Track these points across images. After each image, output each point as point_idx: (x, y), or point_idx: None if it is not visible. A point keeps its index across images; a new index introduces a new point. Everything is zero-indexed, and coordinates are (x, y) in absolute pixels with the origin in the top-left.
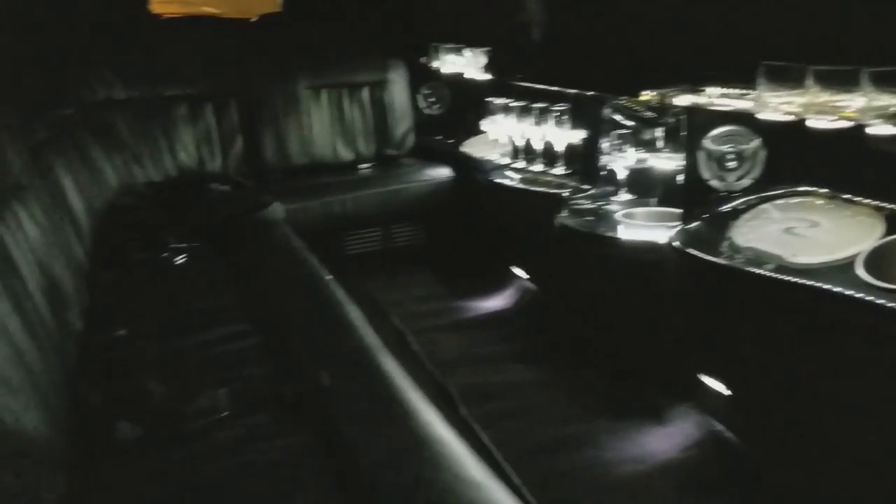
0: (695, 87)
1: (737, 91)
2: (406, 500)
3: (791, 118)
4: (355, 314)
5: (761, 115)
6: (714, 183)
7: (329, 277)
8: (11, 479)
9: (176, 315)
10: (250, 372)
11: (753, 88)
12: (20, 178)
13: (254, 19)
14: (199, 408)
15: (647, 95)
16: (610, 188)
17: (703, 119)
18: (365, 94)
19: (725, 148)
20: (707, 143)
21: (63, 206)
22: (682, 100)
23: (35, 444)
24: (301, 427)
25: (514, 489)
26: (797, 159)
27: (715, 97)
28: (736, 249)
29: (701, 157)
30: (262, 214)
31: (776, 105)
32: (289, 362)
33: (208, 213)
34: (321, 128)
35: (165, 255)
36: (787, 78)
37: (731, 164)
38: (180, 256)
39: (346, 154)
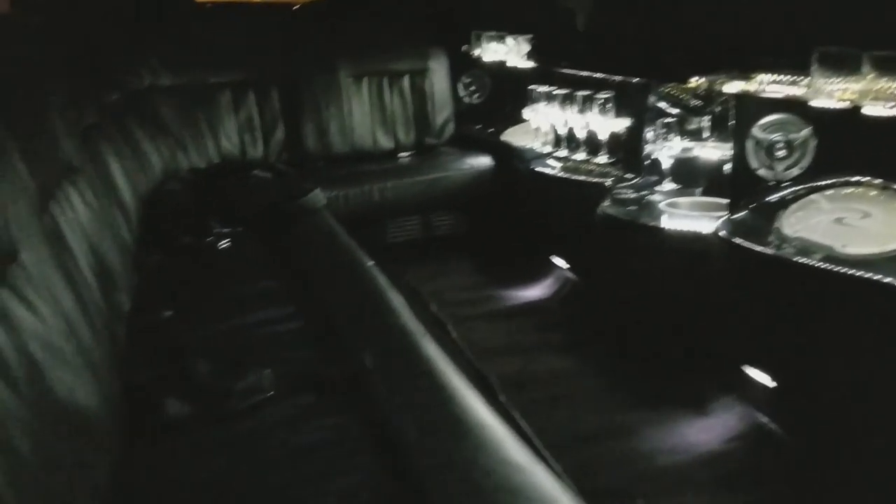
0: (745, 73)
1: (788, 78)
2: (450, 482)
3: (845, 105)
4: (397, 300)
5: (814, 102)
6: (762, 172)
7: (371, 263)
8: (66, 450)
9: (221, 298)
10: (294, 354)
11: (806, 75)
12: (72, 160)
13: (296, 7)
14: (244, 387)
15: (695, 82)
16: (654, 178)
17: (753, 106)
18: (405, 82)
19: (775, 137)
20: (756, 131)
21: (111, 190)
22: (732, 86)
23: (87, 417)
24: (344, 408)
25: (556, 475)
26: (849, 148)
27: (765, 84)
28: (784, 239)
29: (749, 146)
30: (303, 201)
31: (830, 92)
32: (332, 345)
33: (251, 200)
34: (362, 116)
35: (210, 239)
36: (843, 64)
37: (781, 154)
38: (224, 241)
39: (386, 142)
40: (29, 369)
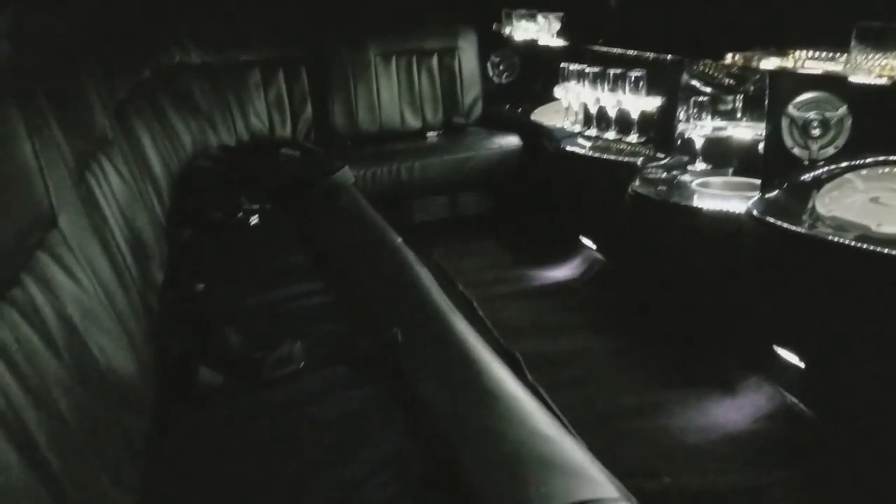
0: (781, 49)
1: (826, 54)
2: (480, 453)
3: (884, 82)
4: (426, 276)
5: (853, 78)
6: (796, 151)
7: (399, 240)
8: (105, 414)
9: (251, 272)
10: (324, 327)
11: (845, 52)
12: (106, 133)
13: None
14: (276, 359)
15: (730, 58)
16: (685, 157)
17: (788, 84)
18: (434, 61)
19: (810, 115)
20: (791, 109)
21: (143, 164)
22: (768, 63)
23: (124, 384)
24: (374, 380)
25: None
26: (885, 127)
27: (802, 60)
28: (818, 218)
29: (784, 125)
30: (332, 178)
31: (869, 68)
32: (361, 319)
33: (280, 177)
34: (390, 95)
35: (240, 215)
36: (883, 39)
37: (816, 132)
38: (254, 217)
39: (413, 121)
40: (69, 334)
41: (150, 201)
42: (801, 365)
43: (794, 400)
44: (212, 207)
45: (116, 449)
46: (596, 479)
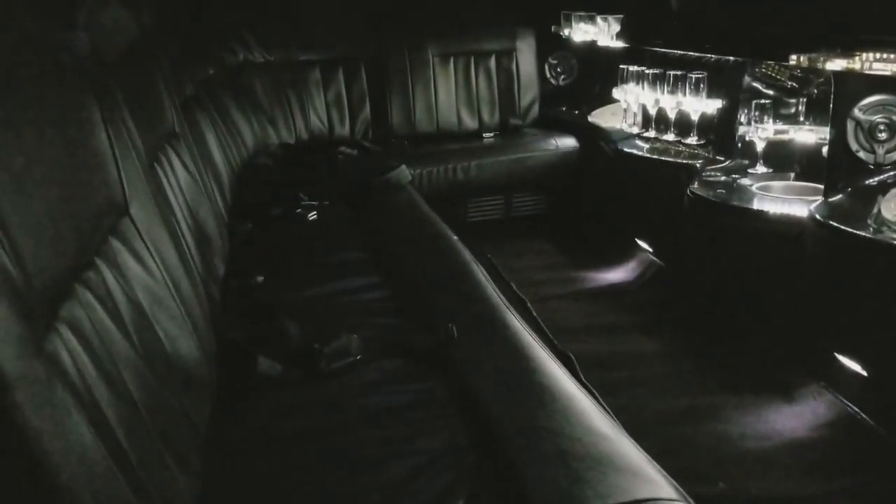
0: (848, 51)
1: (894, 55)
2: (535, 448)
3: None
4: (481, 274)
5: None
6: (862, 155)
7: (455, 238)
8: (170, 398)
9: (310, 266)
10: (381, 321)
11: None
12: (174, 127)
13: None
14: (333, 350)
15: (794, 60)
16: (746, 161)
17: (854, 86)
18: (492, 62)
19: (877, 118)
20: (857, 112)
21: (207, 159)
22: (833, 64)
23: (189, 369)
24: (429, 374)
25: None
26: None
27: (870, 62)
28: (883, 223)
29: (849, 127)
30: (389, 177)
31: None
32: (417, 314)
33: (338, 175)
34: (447, 95)
35: (299, 210)
36: None
37: (882, 136)
38: (312, 213)
39: (470, 122)
40: (139, 318)
41: (212, 195)
42: (864, 373)
43: (856, 409)
44: (271, 203)
45: (181, 432)
46: (654, 478)
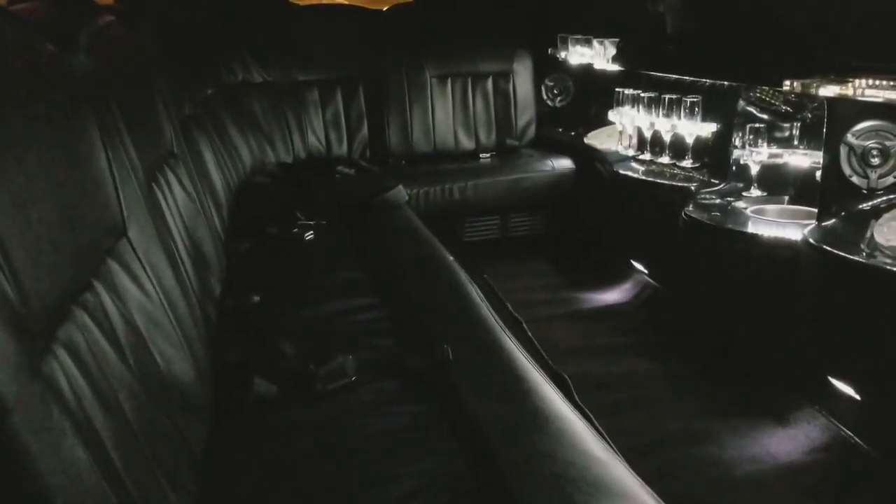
0: (841, 76)
1: (888, 82)
2: (529, 472)
3: None
4: (476, 294)
5: None
6: (855, 180)
7: (451, 258)
8: (165, 419)
9: (306, 286)
10: (377, 342)
11: None
12: (172, 147)
13: (386, 8)
14: (328, 371)
15: (788, 85)
16: (740, 184)
17: (847, 111)
18: (489, 83)
19: (869, 143)
20: (850, 137)
21: (205, 178)
22: (827, 90)
23: (184, 390)
24: (424, 396)
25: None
26: None
27: (863, 88)
28: (876, 248)
29: (842, 152)
30: (386, 196)
31: None
32: (413, 335)
33: (335, 194)
34: (444, 116)
35: (295, 230)
36: None
37: (875, 161)
38: (309, 233)
39: (467, 143)
40: (134, 339)
41: (210, 214)
42: (857, 397)
43: (849, 433)
44: (268, 222)
45: (175, 454)
46: (646, 502)
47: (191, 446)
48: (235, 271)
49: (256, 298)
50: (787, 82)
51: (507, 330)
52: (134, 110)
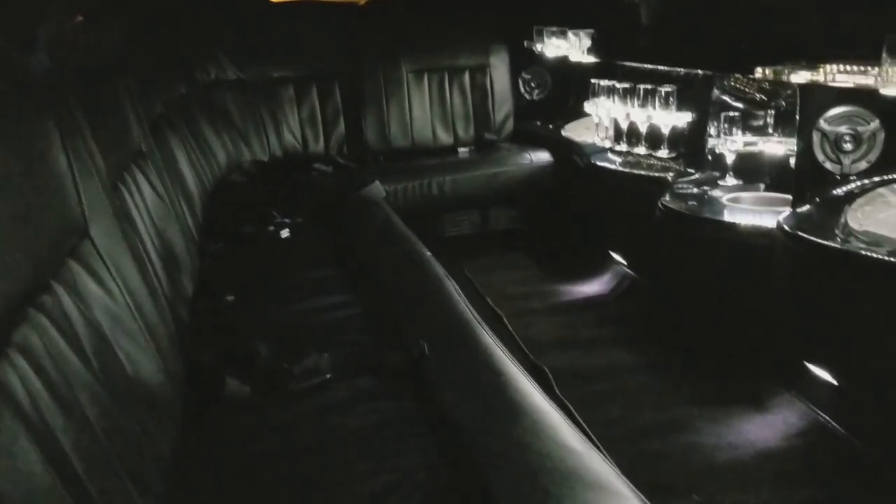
0: (812, 63)
1: (857, 68)
2: (506, 465)
3: None
4: (454, 290)
5: (885, 91)
6: (828, 165)
7: (428, 254)
8: (130, 421)
9: (281, 284)
10: (352, 339)
11: (877, 65)
12: (141, 146)
13: (361, 3)
14: (303, 370)
15: (760, 73)
16: (716, 173)
17: (819, 98)
18: (466, 77)
19: (842, 129)
20: (823, 123)
21: (176, 178)
22: (798, 77)
23: (151, 391)
24: (401, 393)
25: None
26: None
27: (833, 74)
28: (850, 233)
29: (815, 139)
30: (363, 192)
31: None
32: (389, 332)
33: (312, 191)
34: (422, 111)
35: (271, 228)
36: None
37: (848, 147)
38: (284, 231)
39: (445, 138)
40: (97, 340)
41: (182, 214)
42: (834, 382)
43: (827, 418)
44: (243, 221)
45: (142, 457)
46: (622, 493)
47: (159, 448)
48: (209, 271)
49: (230, 298)
50: (759, 69)
51: (484, 324)
52: (98, 110)
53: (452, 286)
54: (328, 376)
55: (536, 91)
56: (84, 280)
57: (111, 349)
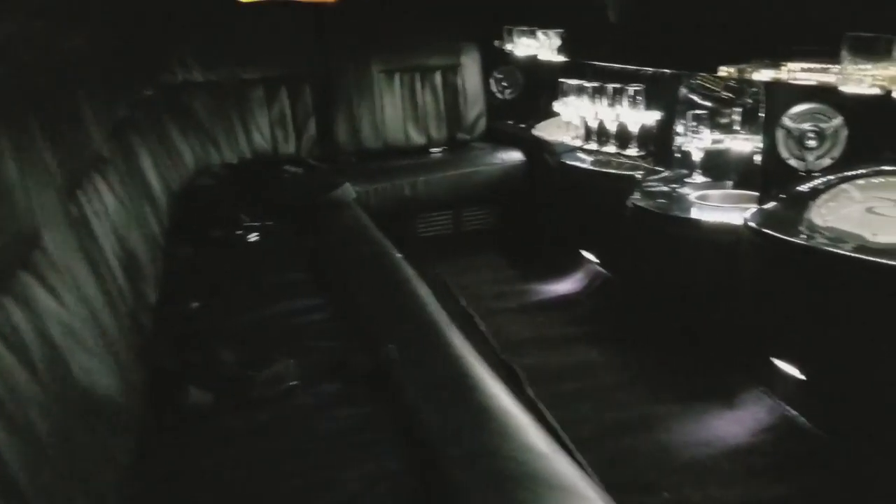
0: (775, 61)
1: (819, 65)
2: (471, 469)
3: (876, 91)
4: (424, 292)
5: (845, 88)
6: (793, 162)
7: (399, 256)
8: (86, 436)
9: (249, 289)
10: (320, 344)
11: (838, 63)
12: (101, 152)
13: (331, 2)
14: (268, 376)
15: (725, 71)
16: (684, 171)
17: (783, 95)
18: (437, 77)
19: (806, 126)
20: (787, 121)
21: (141, 182)
22: (762, 75)
23: (108, 403)
24: (369, 398)
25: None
26: (881, 138)
27: (796, 72)
28: (814, 229)
29: (780, 136)
30: (333, 195)
31: (860, 78)
32: (358, 336)
33: (282, 194)
34: (393, 111)
35: (239, 232)
36: (874, 50)
37: (812, 143)
38: (253, 234)
39: (417, 138)
40: (49, 353)
41: (146, 220)
42: (801, 377)
43: (795, 412)
44: (212, 225)
45: (99, 469)
46: (587, 495)
47: (117, 460)
48: (175, 277)
49: (195, 304)
50: (723, 68)
51: (454, 325)
52: (54, 116)
53: (423, 288)
54: (295, 383)
55: (508, 90)
56: (34, 291)
57: (64, 361)
